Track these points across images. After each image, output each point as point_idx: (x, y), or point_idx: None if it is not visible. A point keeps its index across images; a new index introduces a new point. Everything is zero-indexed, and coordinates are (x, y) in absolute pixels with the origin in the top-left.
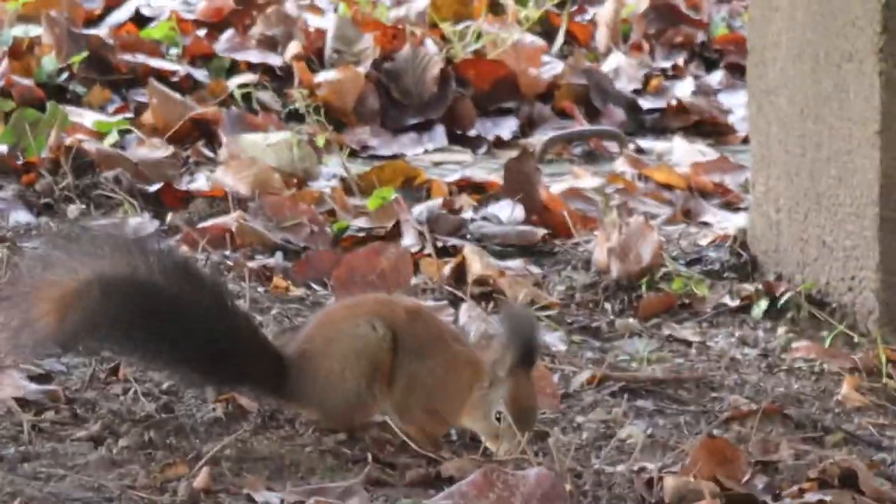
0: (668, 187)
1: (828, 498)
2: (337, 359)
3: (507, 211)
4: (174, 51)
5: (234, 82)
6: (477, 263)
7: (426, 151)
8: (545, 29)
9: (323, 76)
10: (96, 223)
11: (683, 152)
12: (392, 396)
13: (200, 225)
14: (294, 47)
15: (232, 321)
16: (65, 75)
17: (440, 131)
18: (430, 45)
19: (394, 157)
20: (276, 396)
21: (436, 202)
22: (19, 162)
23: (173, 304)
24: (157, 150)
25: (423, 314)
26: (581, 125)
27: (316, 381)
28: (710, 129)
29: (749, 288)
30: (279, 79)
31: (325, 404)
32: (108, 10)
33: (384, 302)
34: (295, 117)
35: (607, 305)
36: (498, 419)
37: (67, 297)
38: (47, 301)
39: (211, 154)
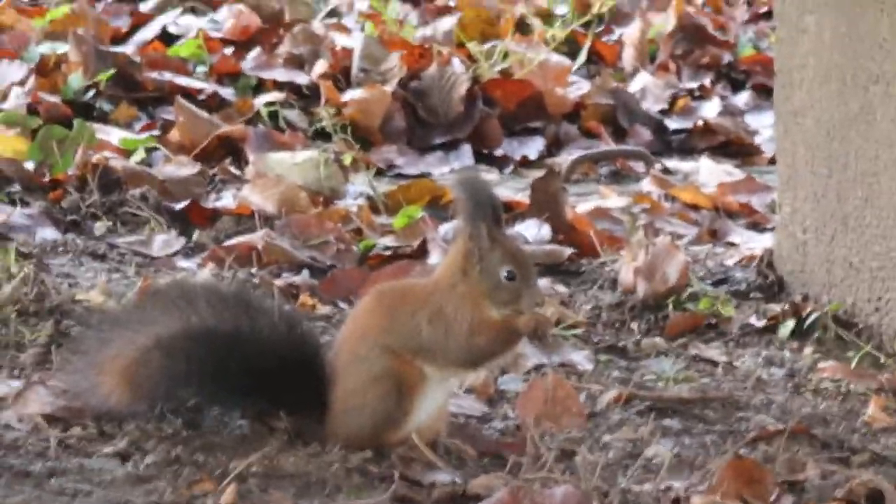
0: (695, 207)
1: None
2: (358, 381)
3: (534, 230)
4: (201, 69)
5: (260, 100)
6: None
7: (452, 170)
8: (572, 49)
9: (350, 95)
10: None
11: (710, 173)
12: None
13: (227, 243)
14: (321, 66)
15: (295, 345)
16: (91, 93)
17: (467, 150)
18: (457, 65)
19: (420, 175)
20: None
21: None
22: (46, 179)
23: (234, 342)
24: (183, 168)
25: (410, 290)
26: (607, 145)
27: (342, 404)
28: (737, 149)
29: (776, 308)
30: (306, 97)
31: (351, 425)
32: (134, 27)
33: (384, 308)
34: (321, 136)
35: (634, 325)
36: (508, 277)
37: (131, 367)
38: (112, 375)
39: (237, 172)
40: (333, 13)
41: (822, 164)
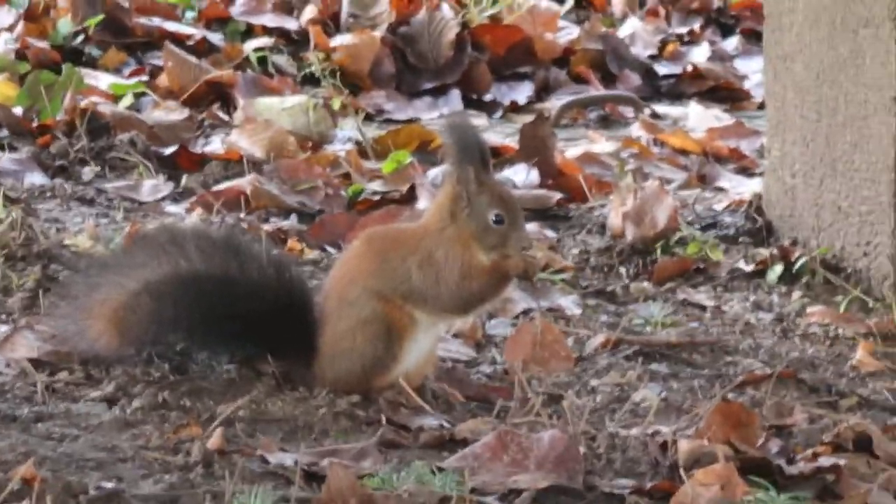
0: (684, 152)
1: (842, 462)
2: (347, 326)
3: (523, 175)
4: (190, 14)
5: (249, 46)
6: None
7: (441, 115)
8: None
9: (339, 40)
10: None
11: (699, 118)
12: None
13: (215, 188)
14: (310, 11)
15: (284, 289)
16: (80, 38)
17: (455, 96)
18: (446, 10)
19: (409, 121)
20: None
21: None
22: (34, 124)
23: (223, 286)
24: (172, 113)
25: (399, 234)
26: (597, 90)
27: (331, 347)
28: (726, 94)
29: (764, 253)
30: (295, 43)
31: (340, 368)
32: None
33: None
34: (310, 81)
35: (622, 269)
36: (496, 221)
37: (119, 311)
38: (101, 320)
39: (226, 117)
40: None
41: (811, 109)
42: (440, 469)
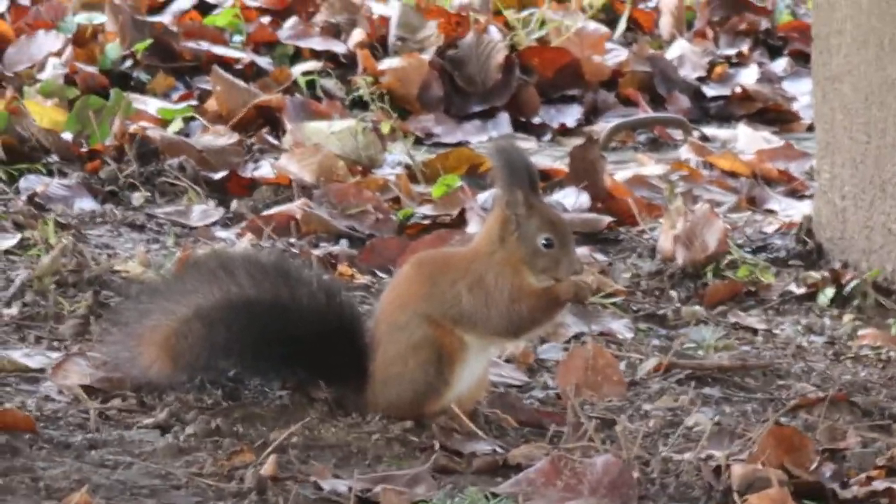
0: (733, 175)
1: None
2: (398, 351)
3: (573, 198)
4: (238, 38)
5: (297, 69)
6: None
7: (490, 139)
8: (609, 16)
9: (387, 63)
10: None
11: (748, 140)
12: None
13: (265, 213)
14: (358, 35)
15: (335, 314)
16: (129, 63)
17: (504, 119)
18: (494, 33)
19: (458, 144)
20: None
21: None
22: (83, 149)
23: (274, 312)
24: (221, 138)
25: (449, 258)
26: (645, 112)
27: (382, 372)
28: (775, 116)
29: (815, 275)
30: (343, 66)
31: (392, 394)
32: None
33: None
34: (359, 105)
35: (673, 293)
36: (546, 244)
37: (171, 338)
38: (152, 346)
39: (275, 141)
40: None
41: (860, 130)
42: (494, 495)
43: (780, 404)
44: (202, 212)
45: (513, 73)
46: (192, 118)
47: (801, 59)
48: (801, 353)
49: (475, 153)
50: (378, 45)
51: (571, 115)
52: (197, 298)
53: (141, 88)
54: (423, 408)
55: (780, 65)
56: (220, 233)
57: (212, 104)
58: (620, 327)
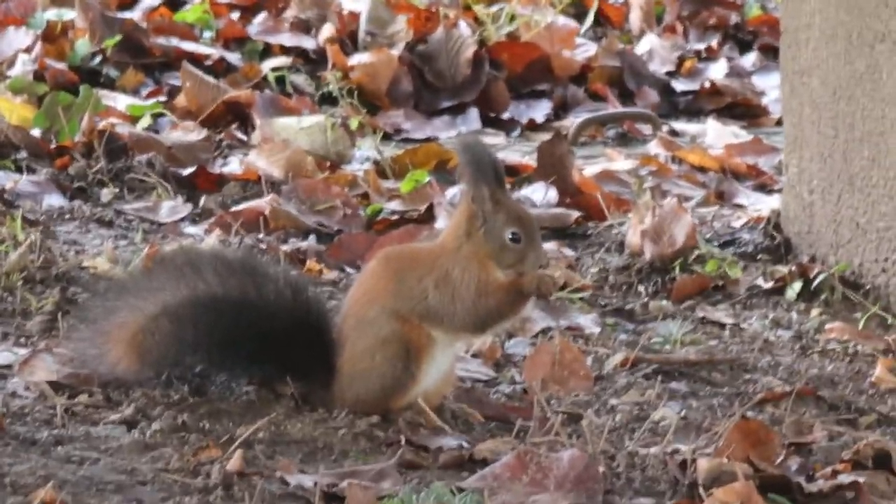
0: (702, 169)
1: (861, 479)
2: (365, 346)
3: (541, 193)
4: (207, 34)
5: (267, 65)
6: None
7: (459, 134)
8: (578, 11)
9: (356, 59)
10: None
11: (717, 134)
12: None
13: (234, 208)
14: (327, 30)
15: (302, 310)
16: (98, 59)
17: (474, 114)
18: (464, 28)
19: (427, 139)
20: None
21: None
22: (52, 146)
23: (241, 308)
24: (190, 134)
25: (417, 253)
26: (614, 107)
27: (349, 367)
28: (744, 110)
29: (782, 270)
30: (312, 62)
31: (359, 389)
32: None
33: (392, 273)
34: (328, 100)
35: (641, 288)
36: (513, 239)
37: (138, 335)
38: (120, 343)
39: (244, 137)
40: None
41: (828, 125)
42: (460, 489)
43: (746, 398)
44: (171, 208)
45: (482, 69)
46: (162, 114)
47: (771, 54)
48: (768, 348)
49: (444, 149)
50: (348, 41)
51: (540, 110)
52: (164, 295)
53: (110, 85)
54: (390, 403)
55: (750, 59)
56: (189, 229)
57: (181, 100)
58: (588, 322)
